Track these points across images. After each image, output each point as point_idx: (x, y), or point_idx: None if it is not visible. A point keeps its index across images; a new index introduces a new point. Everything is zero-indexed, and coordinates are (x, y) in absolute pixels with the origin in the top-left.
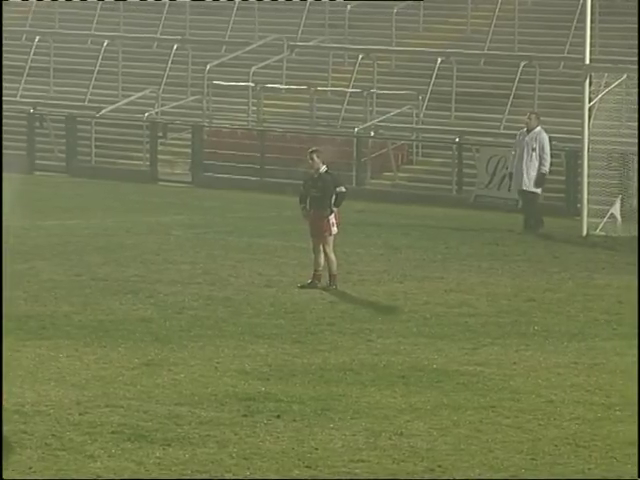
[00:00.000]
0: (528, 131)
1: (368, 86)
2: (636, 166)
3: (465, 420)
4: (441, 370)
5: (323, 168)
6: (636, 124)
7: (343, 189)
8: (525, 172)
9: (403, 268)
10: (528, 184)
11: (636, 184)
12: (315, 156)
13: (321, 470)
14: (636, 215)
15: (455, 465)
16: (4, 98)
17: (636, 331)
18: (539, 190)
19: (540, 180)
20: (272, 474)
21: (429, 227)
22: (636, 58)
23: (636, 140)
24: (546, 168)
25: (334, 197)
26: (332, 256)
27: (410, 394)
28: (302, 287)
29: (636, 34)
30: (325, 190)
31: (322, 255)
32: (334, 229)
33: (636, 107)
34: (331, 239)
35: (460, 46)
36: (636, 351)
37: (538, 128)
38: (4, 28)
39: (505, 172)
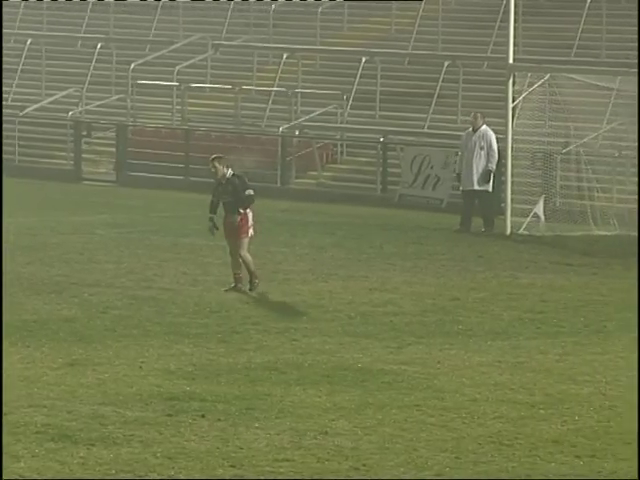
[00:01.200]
0: (474, 130)
1: (293, 85)
2: (558, 165)
3: (390, 419)
4: (366, 369)
5: (229, 172)
6: (558, 123)
7: (251, 192)
8: (475, 171)
9: (328, 267)
10: (477, 183)
11: (559, 183)
12: (217, 163)
13: (246, 469)
14: (558, 214)
15: (380, 464)
16: None
17: (636, 330)
18: (489, 187)
19: (485, 177)
20: (197, 473)
21: (354, 226)
22: (557, 58)
23: (557, 139)
24: (493, 165)
25: (244, 199)
26: (247, 256)
27: (335, 393)
28: (226, 291)
29: (557, 34)
30: (236, 194)
31: (239, 257)
32: (250, 231)
33: (559, 107)
34: (246, 242)
35: (384, 45)
36: (559, 350)
37: (484, 127)
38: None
39: (430, 172)
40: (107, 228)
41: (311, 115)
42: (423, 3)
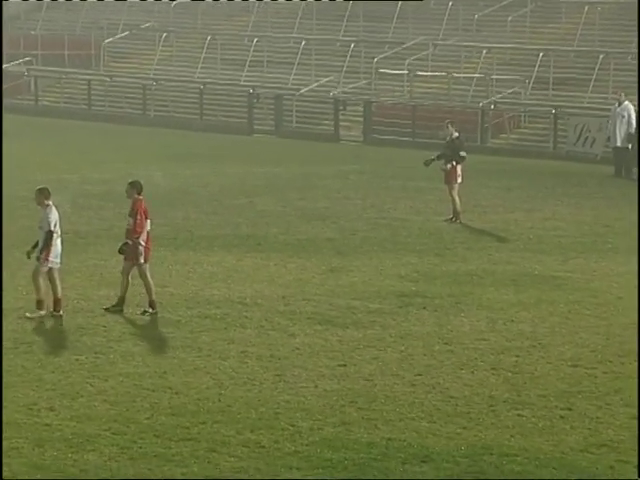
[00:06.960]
0: (619, 104)
1: (490, 72)
2: None
3: (558, 311)
4: (541, 275)
5: (455, 134)
6: None
7: (464, 154)
8: (619, 133)
9: (514, 203)
10: (620, 142)
11: None
12: (449, 125)
13: (455, 346)
14: None
15: (551, 343)
16: (231, 82)
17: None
18: (630, 146)
19: (627, 138)
20: (420, 349)
21: (533, 173)
22: None
23: None
24: (632, 129)
25: (458, 156)
26: (456, 198)
27: (518, 292)
28: (445, 221)
29: None
30: (453, 150)
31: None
32: (459, 179)
33: None
34: (456, 186)
35: (557, 44)
36: None
37: (626, 102)
38: None
39: (588, 134)
40: (357, 175)
41: (503, 94)
42: (584, 15)
